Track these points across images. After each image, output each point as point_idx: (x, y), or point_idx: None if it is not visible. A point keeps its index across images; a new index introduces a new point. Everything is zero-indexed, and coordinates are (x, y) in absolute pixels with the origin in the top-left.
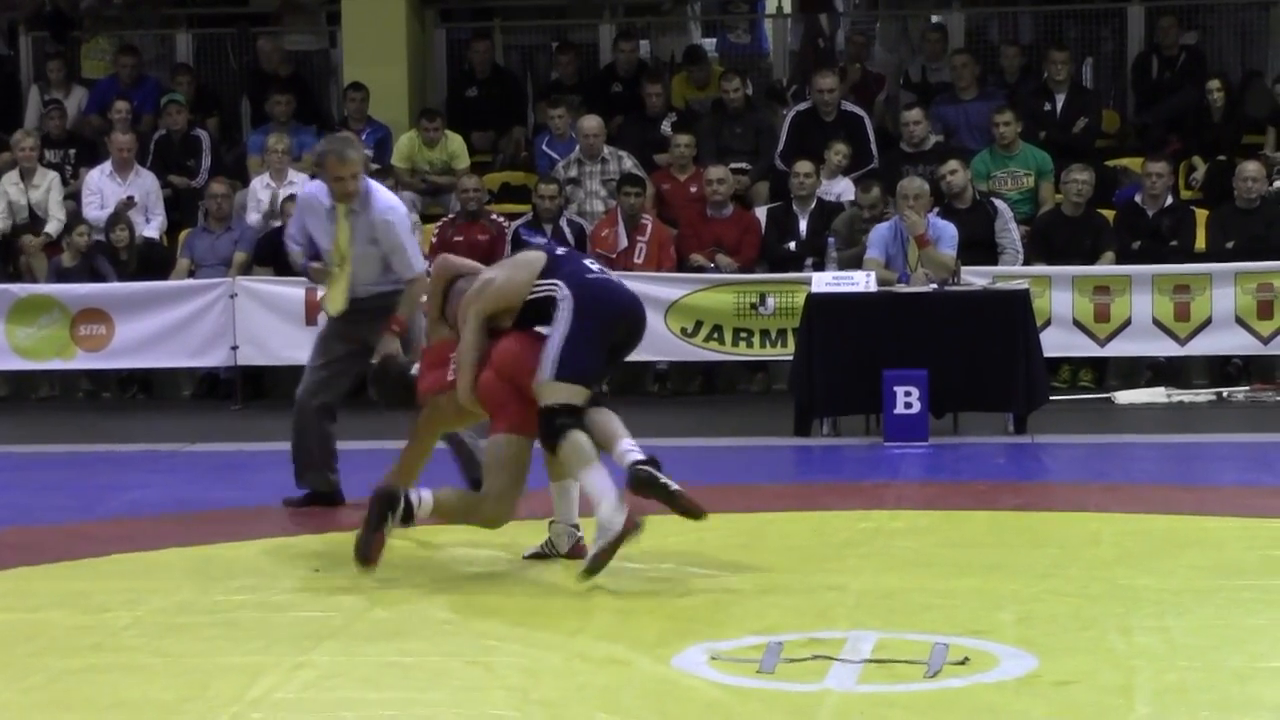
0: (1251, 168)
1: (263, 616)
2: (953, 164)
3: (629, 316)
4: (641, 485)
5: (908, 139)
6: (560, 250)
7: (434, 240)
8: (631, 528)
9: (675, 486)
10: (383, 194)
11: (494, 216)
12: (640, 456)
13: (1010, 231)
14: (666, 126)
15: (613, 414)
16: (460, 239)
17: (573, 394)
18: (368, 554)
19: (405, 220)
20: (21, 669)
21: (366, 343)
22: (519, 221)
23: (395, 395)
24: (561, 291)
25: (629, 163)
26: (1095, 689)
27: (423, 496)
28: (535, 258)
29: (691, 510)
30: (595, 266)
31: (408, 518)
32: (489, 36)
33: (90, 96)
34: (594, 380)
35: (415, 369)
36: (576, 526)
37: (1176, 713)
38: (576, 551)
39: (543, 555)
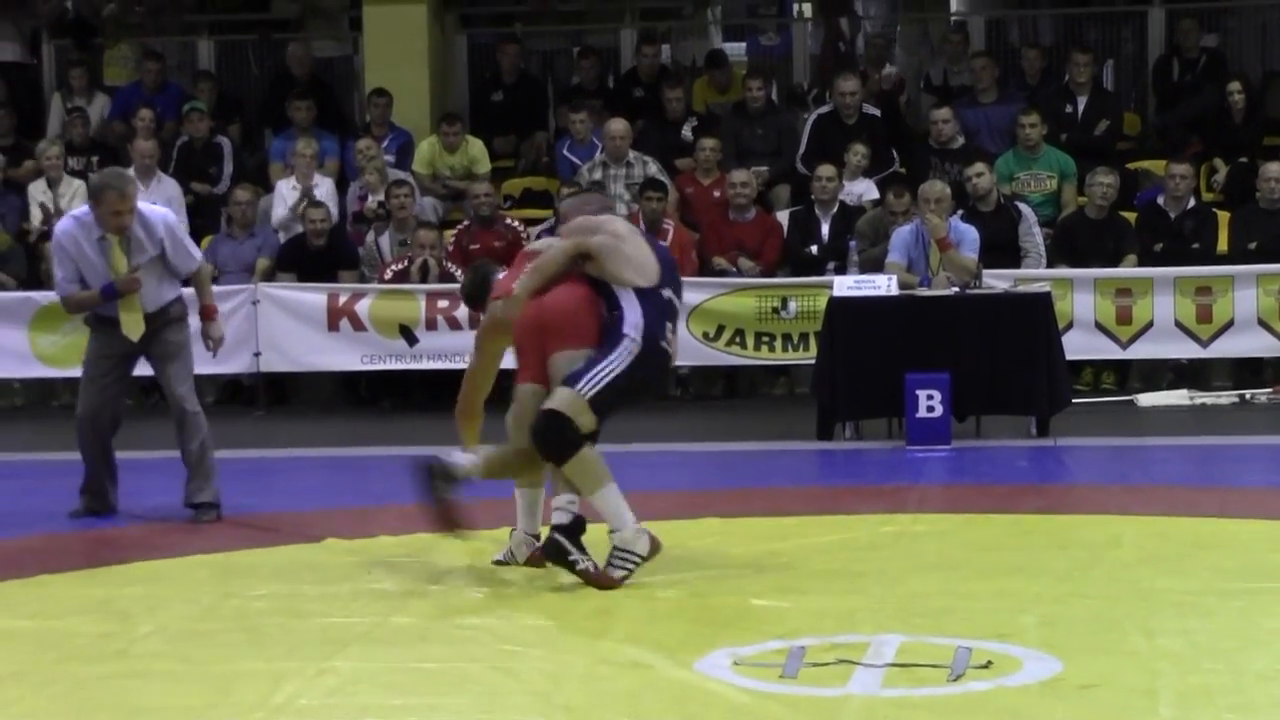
0: (1274, 168)
1: (285, 623)
2: (979, 166)
3: (658, 388)
4: (549, 553)
5: (935, 137)
6: (666, 292)
7: (450, 247)
8: (655, 551)
9: (583, 566)
10: (148, 209)
11: (509, 222)
12: (565, 521)
13: (1034, 235)
14: (687, 131)
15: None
16: (476, 246)
17: (587, 421)
18: (449, 524)
19: (177, 219)
20: (46, 676)
21: (131, 352)
22: (540, 227)
23: (475, 292)
24: (634, 335)
25: (653, 167)
26: (1119, 691)
27: (460, 457)
28: (656, 270)
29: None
30: (669, 327)
31: (448, 478)
32: (516, 40)
33: (113, 103)
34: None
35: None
36: (536, 537)
37: (1200, 715)
38: (533, 560)
39: (504, 563)
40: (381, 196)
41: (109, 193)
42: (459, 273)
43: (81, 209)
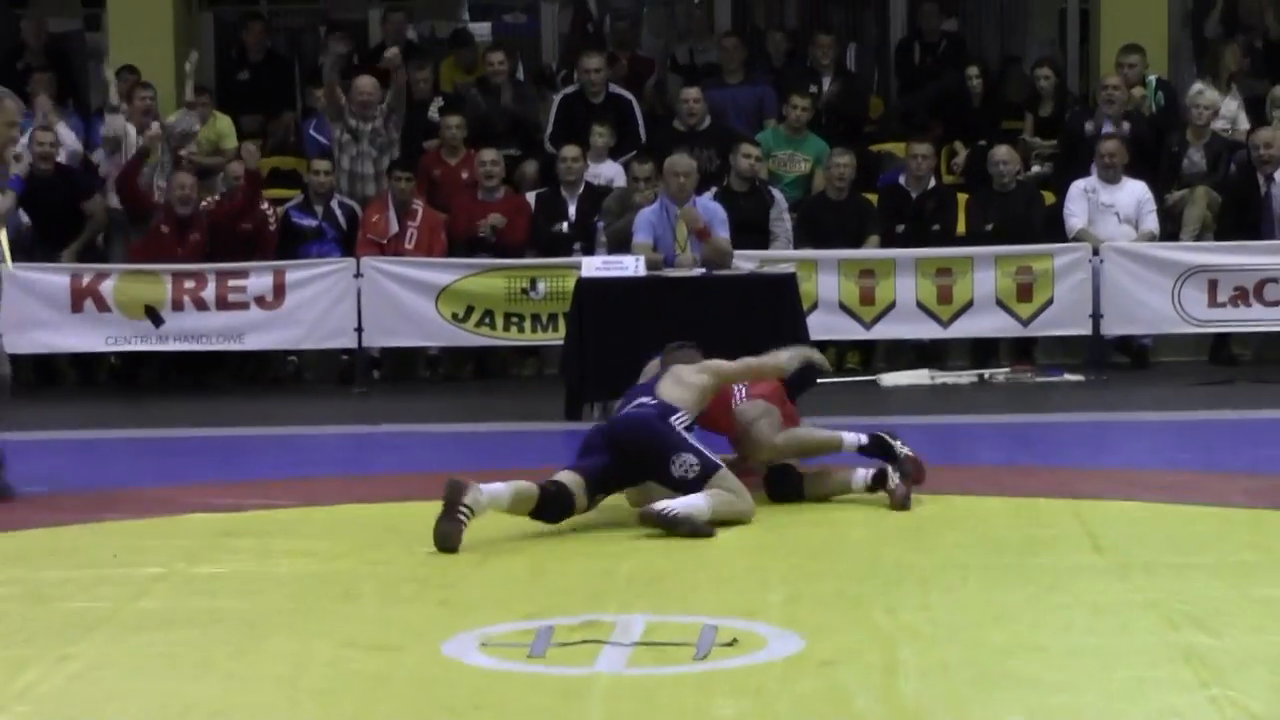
0: (1002, 151)
1: (26, 609)
2: (753, 149)
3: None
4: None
5: (684, 117)
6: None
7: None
8: (704, 532)
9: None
10: None
11: (261, 205)
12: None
13: (784, 221)
14: (434, 111)
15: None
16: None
17: None
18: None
19: None
20: None
21: None
22: (289, 204)
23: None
24: None
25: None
26: (860, 668)
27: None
28: None
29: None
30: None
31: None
32: (261, 18)
33: None
34: None
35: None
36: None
37: (939, 689)
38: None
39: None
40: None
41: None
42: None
43: None
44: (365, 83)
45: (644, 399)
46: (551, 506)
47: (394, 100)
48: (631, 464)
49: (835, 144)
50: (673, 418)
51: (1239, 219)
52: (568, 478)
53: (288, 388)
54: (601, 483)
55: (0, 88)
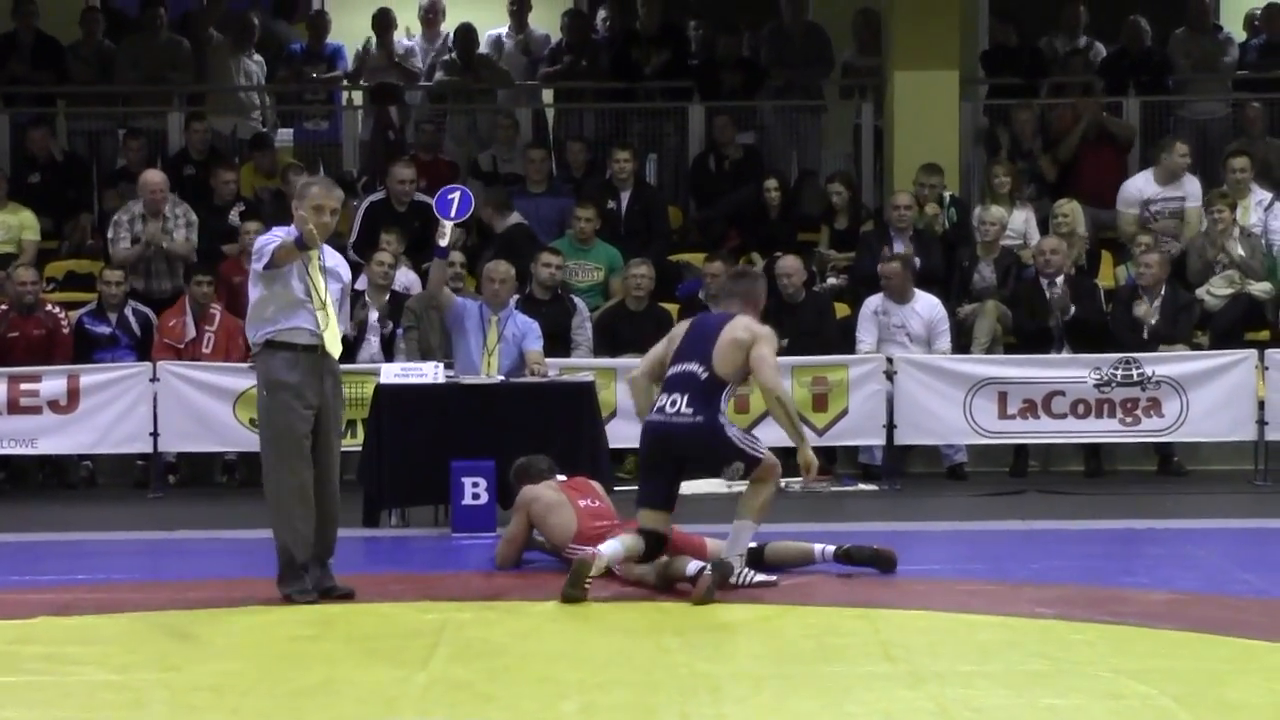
0: (787, 263)
1: None
2: (553, 258)
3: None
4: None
5: (484, 223)
6: (676, 367)
7: None
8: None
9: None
10: None
11: (49, 308)
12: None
13: (585, 329)
14: (235, 216)
15: None
16: (15, 334)
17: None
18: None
19: None
20: None
21: None
22: (82, 311)
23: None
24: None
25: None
26: None
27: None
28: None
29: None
30: (666, 398)
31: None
32: (50, 123)
33: None
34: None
35: None
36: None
37: None
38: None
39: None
40: None
41: None
42: None
43: None
44: (154, 178)
45: (693, 367)
46: (654, 550)
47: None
48: (691, 469)
49: (633, 254)
50: (720, 421)
51: (1029, 327)
52: (654, 519)
53: (82, 493)
54: (671, 499)
55: None
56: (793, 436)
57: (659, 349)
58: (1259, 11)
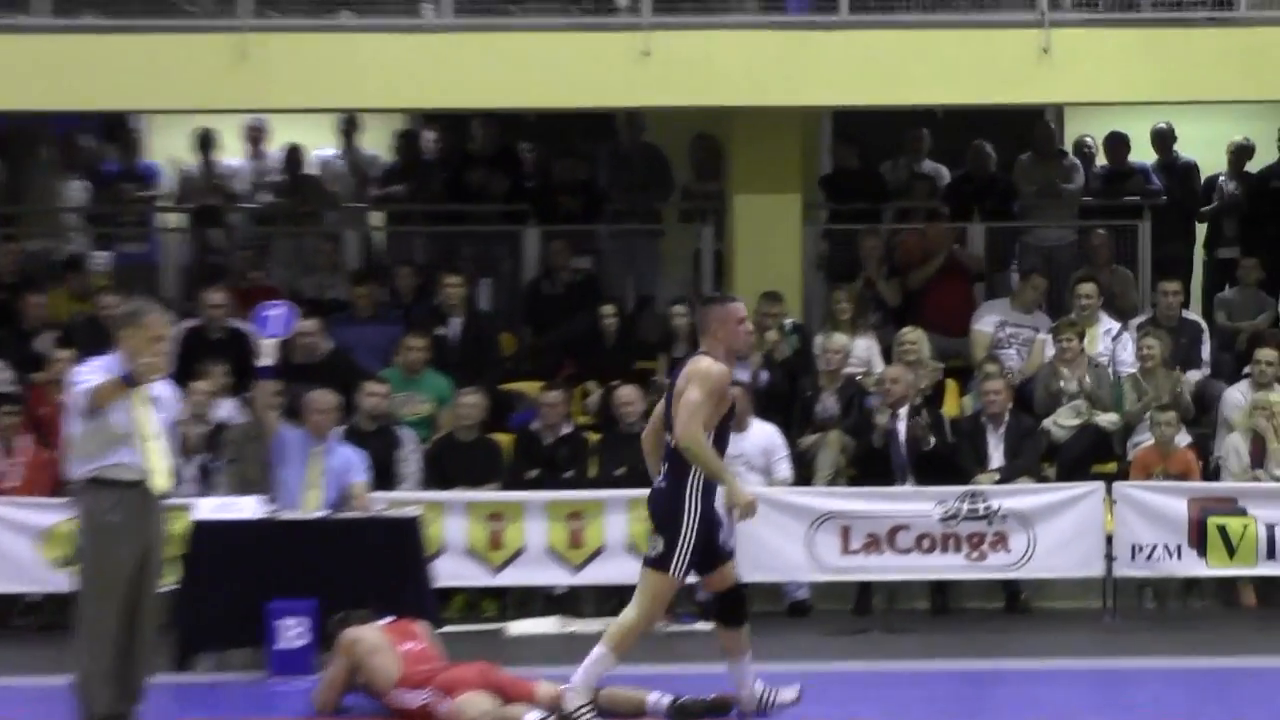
0: (625, 392)
1: None
2: (379, 387)
3: None
4: None
5: (302, 351)
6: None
7: None
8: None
9: None
10: None
11: None
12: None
13: (411, 462)
14: (45, 342)
15: None
16: None
17: None
18: None
19: None
20: None
21: None
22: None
23: None
24: None
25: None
26: None
27: None
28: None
29: None
30: None
31: None
32: None
33: None
34: None
35: None
36: None
37: None
38: None
39: None
40: None
41: None
42: None
43: None
44: None
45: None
46: (729, 608)
47: None
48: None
49: (464, 383)
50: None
51: (871, 459)
52: (709, 583)
53: None
54: (709, 558)
55: None
56: (714, 478)
57: (659, 406)
58: (1089, 139)
